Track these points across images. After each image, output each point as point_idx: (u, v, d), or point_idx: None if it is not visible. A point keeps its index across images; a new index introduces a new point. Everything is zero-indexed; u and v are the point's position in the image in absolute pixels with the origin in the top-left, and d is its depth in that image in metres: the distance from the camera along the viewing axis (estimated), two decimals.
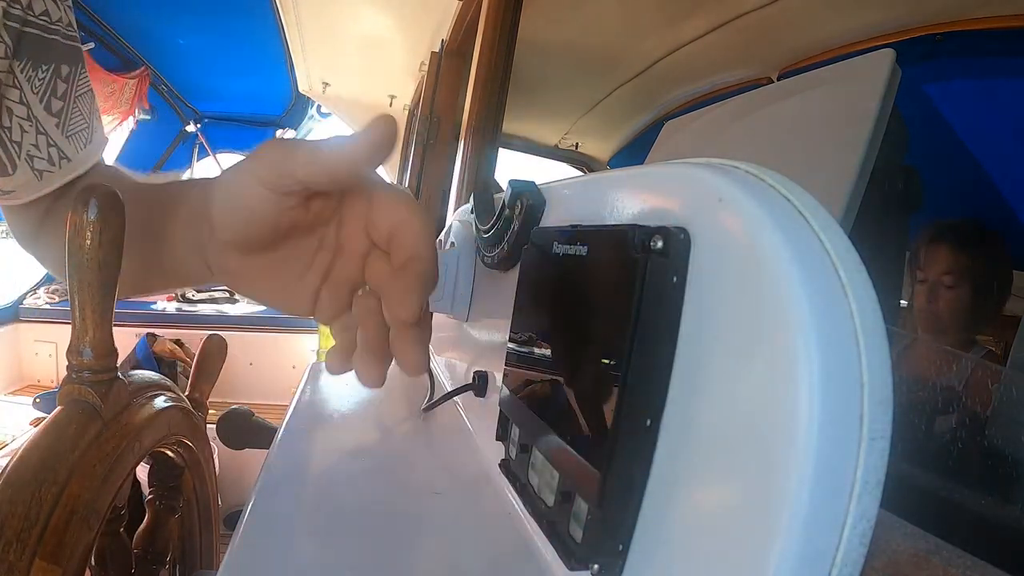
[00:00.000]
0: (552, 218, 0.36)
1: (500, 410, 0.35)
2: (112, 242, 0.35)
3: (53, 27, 0.42)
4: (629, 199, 0.26)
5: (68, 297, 0.36)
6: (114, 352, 0.38)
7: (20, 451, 0.33)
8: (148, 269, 0.38)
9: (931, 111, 1.23)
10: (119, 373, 0.39)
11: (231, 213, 0.29)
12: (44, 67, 0.41)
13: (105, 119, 2.72)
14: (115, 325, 0.39)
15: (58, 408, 0.36)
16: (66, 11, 0.43)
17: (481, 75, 1.17)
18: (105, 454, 0.36)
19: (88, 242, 0.34)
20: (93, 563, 0.46)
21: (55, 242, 0.41)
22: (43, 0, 0.41)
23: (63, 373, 0.37)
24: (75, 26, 0.44)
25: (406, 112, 2.62)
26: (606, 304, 0.23)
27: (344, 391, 0.64)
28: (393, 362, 0.29)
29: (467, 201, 0.53)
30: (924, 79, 1.21)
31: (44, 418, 0.36)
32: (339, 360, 0.30)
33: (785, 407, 0.16)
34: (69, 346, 0.36)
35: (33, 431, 0.35)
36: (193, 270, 0.34)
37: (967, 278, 1.05)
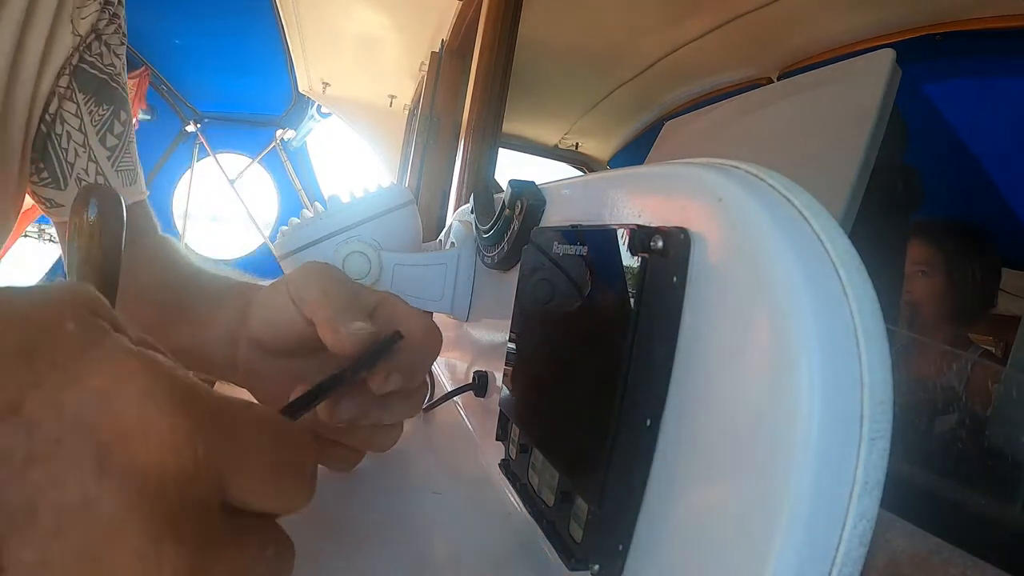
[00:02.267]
0: (552, 218, 0.36)
1: (500, 410, 0.35)
2: (112, 244, 0.35)
3: (116, 78, 0.49)
4: (629, 199, 0.26)
5: None
6: None
7: None
8: (169, 343, 0.41)
9: (931, 111, 1.23)
10: None
11: (265, 318, 0.35)
12: (105, 106, 0.48)
13: None
14: None
15: None
16: (123, 69, 0.50)
17: (481, 75, 1.17)
18: None
19: (88, 243, 0.34)
20: None
21: None
22: (111, 56, 0.48)
23: None
24: (127, 88, 0.52)
25: (406, 112, 2.62)
26: (606, 304, 0.23)
27: None
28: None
29: (467, 201, 0.53)
30: (924, 79, 1.21)
31: None
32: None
33: (785, 407, 0.16)
34: None
35: None
36: (217, 358, 0.39)
37: (941, 268, 1.06)
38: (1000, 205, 1.28)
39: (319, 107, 3.34)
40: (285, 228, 0.55)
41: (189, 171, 3.58)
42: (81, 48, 0.45)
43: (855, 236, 0.17)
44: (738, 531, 0.17)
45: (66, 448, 0.14)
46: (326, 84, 2.81)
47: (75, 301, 0.17)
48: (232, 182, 3.67)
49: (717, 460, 0.18)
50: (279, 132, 3.63)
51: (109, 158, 0.48)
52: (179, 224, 3.60)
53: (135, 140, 0.52)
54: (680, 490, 0.20)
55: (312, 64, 2.59)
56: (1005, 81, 1.18)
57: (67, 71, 0.45)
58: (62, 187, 0.47)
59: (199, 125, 3.51)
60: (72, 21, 0.44)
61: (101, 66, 0.47)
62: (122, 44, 0.50)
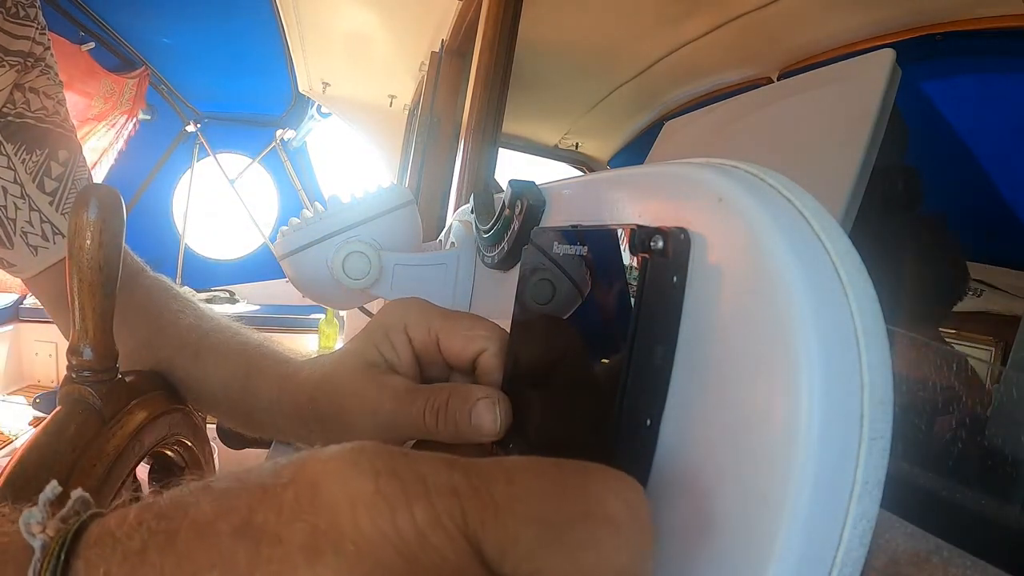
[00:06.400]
0: (552, 218, 0.36)
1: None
2: (112, 242, 0.35)
3: (49, 119, 0.47)
4: (629, 199, 0.26)
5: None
6: (114, 352, 0.38)
7: (20, 450, 0.33)
8: (236, 417, 0.43)
9: (931, 111, 1.23)
10: (120, 373, 0.39)
11: (369, 423, 0.31)
12: (39, 151, 0.46)
13: (105, 119, 2.73)
14: None
15: (58, 408, 0.36)
16: (59, 106, 0.48)
17: (481, 75, 1.17)
18: (105, 454, 0.36)
19: (88, 242, 0.34)
20: None
21: None
22: (40, 99, 0.46)
23: (63, 373, 0.37)
24: (70, 120, 0.49)
25: (406, 112, 2.62)
26: (606, 304, 0.23)
27: None
28: None
29: (467, 201, 0.53)
30: (924, 79, 1.21)
31: (44, 418, 0.36)
32: None
33: (785, 407, 0.16)
34: (69, 346, 0.36)
35: (33, 431, 0.35)
36: (290, 432, 0.37)
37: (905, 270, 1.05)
38: (1000, 205, 1.28)
39: (319, 107, 3.34)
40: (285, 228, 0.55)
41: (189, 171, 3.58)
42: (1, 110, 0.44)
43: (855, 236, 0.17)
44: (738, 531, 0.17)
45: (284, 544, 0.15)
46: (326, 84, 2.81)
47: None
48: (232, 182, 3.67)
49: (717, 460, 0.18)
50: (279, 132, 3.63)
51: (51, 203, 0.46)
52: (179, 224, 3.60)
53: (87, 172, 0.50)
54: (680, 490, 0.20)
55: (312, 64, 2.59)
56: (1005, 81, 1.17)
57: None
58: (8, 246, 0.45)
59: (199, 125, 3.51)
60: None
61: (28, 112, 0.45)
62: (55, 84, 0.48)
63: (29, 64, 0.45)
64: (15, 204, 0.45)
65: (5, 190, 0.44)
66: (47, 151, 0.46)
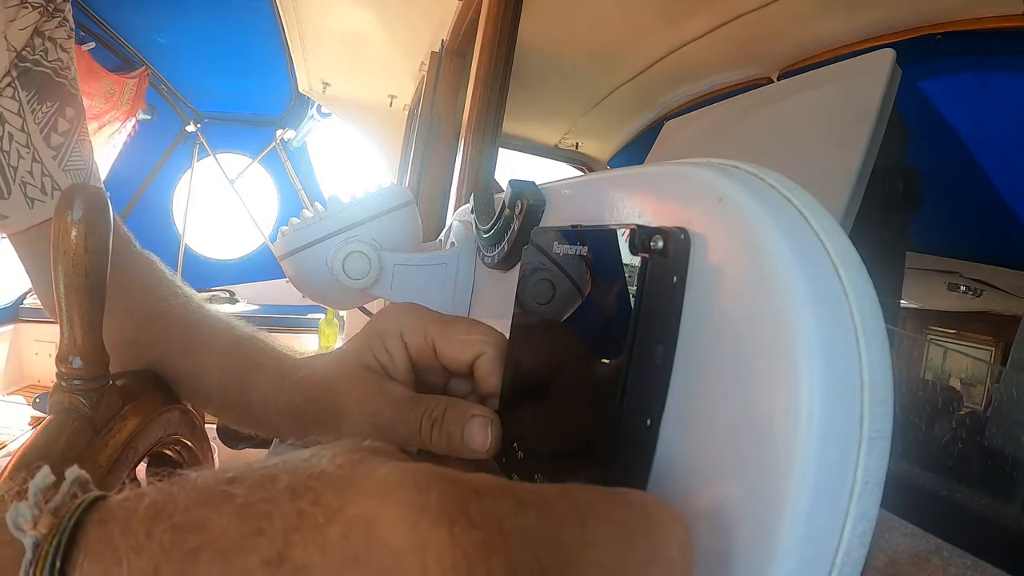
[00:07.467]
0: (552, 218, 0.36)
1: (499, 410, 0.35)
2: (99, 245, 0.34)
3: (62, 72, 0.46)
4: (629, 199, 0.26)
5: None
6: (105, 359, 0.36)
7: (10, 462, 0.32)
8: (230, 413, 0.43)
9: (931, 111, 1.23)
10: (111, 380, 0.37)
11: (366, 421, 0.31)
12: (49, 103, 0.45)
13: (105, 119, 2.73)
14: None
15: (48, 417, 0.35)
16: (72, 63, 0.47)
17: (481, 75, 1.17)
18: (98, 464, 0.35)
19: (74, 245, 0.32)
20: None
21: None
22: (57, 50, 0.45)
23: None
24: (78, 83, 0.48)
25: (406, 112, 2.62)
26: (606, 304, 0.23)
27: None
28: None
29: (467, 201, 0.53)
30: (924, 78, 1.21)
31: (43, 418, 0.35)
32: None
33: (785, 407, 0.16)
34: (58, 354, 0.35)
35: (28, 435, 0.34)
36: (285, 430, 0.37)
37: None
38: (1000, 205, 1.28)
39: (319, 107, 3.34)
40: (285, 228, 0.55)
41: (189, 171, 3.58)
42: (20, 53, 0.43)
43: (855, 236, 0.17)
44: (738, 531, 0.17)
45: None
46: (326, 84, 2.81)
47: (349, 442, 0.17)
48: (232, 182, 3.67)
49: (717, 460, 0.18)
50: (279, 132, 3.63)
51: (55, 158, 0.45)
52: (179, 224, 3.60)
53: (88, 137, 0.49)
54: (680, 490, 0.20)
55: (312, 64, 2.59)
56: (1005, 81, 1.17)
57: (11, 76, 0.42)
58: (6, 195, 0.44)
59: (199, 125, 3.51)
60: (5, 38, 0.42)
61: (45, 61, 0.44)
62: (69, 38, 0.47)
63: (50, 11, 0.44)
64: (19, 152, 0.43)
65: (12, 136, 0.43)
66: (57, 105, 0.45)
